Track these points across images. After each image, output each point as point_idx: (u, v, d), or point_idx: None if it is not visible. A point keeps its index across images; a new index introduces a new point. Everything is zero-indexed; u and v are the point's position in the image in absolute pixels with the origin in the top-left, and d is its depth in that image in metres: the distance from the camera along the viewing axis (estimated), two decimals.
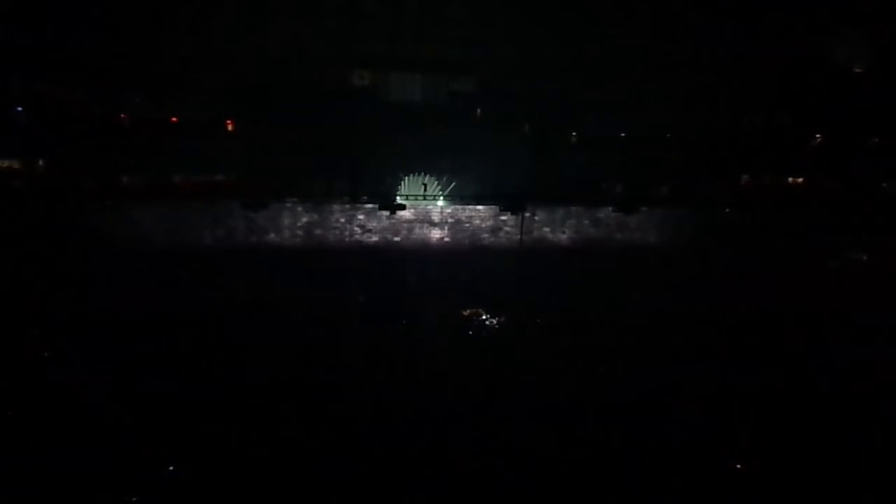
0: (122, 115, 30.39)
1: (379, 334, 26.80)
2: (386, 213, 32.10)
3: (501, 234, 33.68)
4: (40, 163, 29.37)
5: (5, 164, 29.00)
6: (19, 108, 28.89)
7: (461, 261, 32.56)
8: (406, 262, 32.37)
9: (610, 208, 34.04)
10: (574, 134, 35.24)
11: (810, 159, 35.62)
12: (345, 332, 26.64)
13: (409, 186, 33.22)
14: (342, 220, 32.31)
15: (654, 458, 18.48)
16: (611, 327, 27.56)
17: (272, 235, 31.59)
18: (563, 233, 34.31)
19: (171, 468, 17.53)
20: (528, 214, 33.22)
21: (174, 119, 31.01)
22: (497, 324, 28.99)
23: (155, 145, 30.26)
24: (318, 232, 32.13)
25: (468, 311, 29.46)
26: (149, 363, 22.56)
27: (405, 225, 32.98)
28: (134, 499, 16.20)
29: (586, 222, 34.35)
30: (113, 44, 28.70)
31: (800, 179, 35.97)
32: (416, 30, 31.37)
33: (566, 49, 31.94)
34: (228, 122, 31.79)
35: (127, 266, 27.95)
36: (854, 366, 23.85)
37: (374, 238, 32.75)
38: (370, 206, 32.21)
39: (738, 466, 18.58)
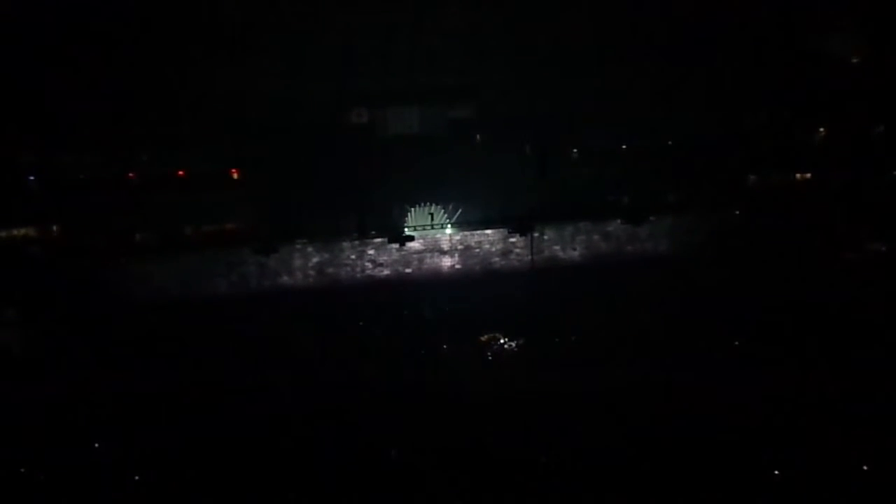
0: (131, 175, 32.29)
1: (399, 365, 28.22)
2: (395, 245, 33.29)
3: (512, 256, 34.80)
4: (54, 228, 31.29)
5: (22, 232, 30.95)
6: (31, 178, 30.98)
7: (474, 286, 33.60)
8: (419, 292, 33.55)
9: (618, 220, 35.15)
10: (575, 150, 36.36)
11: (816, 154, 36.79)
12: (365, 367, 28.04)
13: (416, 217, 34.21)
14: (352, 256, 33.59)
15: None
16: (629, 343, 28.67)
17: (285, 278, 32.89)
18: (574, 249, 35.40)
19: None
20: (536, 234, 34.31)
21: (181, 173, 32.69)
22: (516, 347, 30.26)
23: (164, 200, 32.08)
24: (329, 270, 33.41)
25: (486, 337, 30.68)
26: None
27: (415, 255, 34.12)
28: None
29: (596, 237, 35.46)
30: (116, 106, 30.57)
31: (807, 175, 37.11)
32: (410, 62, 32.77)
33: (560, 66, 33.14)
34: (233, 170, 33.31)
35: (144, 321, 29.68)
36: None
37: (386, 271, 33.97)
38: (379, 239, 33.47)
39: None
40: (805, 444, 21.19)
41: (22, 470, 22.03)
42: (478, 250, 34.69)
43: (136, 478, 21.59)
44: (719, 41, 33.78)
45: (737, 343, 28.69)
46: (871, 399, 22.75)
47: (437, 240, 34.43)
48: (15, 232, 30.91)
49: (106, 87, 30.27)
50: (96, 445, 23.40)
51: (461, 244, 34.60)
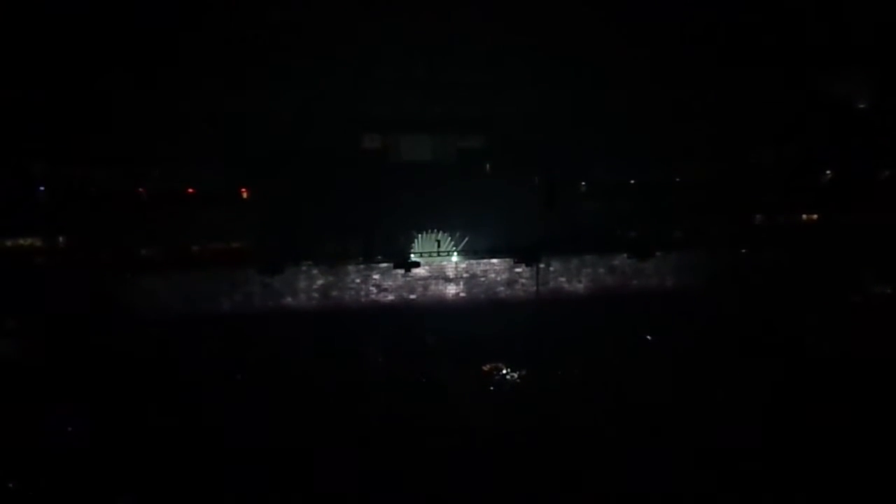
0: (141, 189, 32.56)
1: (400, 392, 28.49)
2: (401, 271, 33.43)
3: (517, 286, 34.93)
4: (61, 239, 31.68)
5: (28, 241, 31.28)
6: (41, 188, 31.40)
7: (478, 315, 33.72)
8: (423, 319, 33.71)
9: (624, 255, 35.39)
10: (583, 183, 36.80)
11: (823, 195, 37.28)
12: (365, 393, 28.33)
13: (422, 244, 34.45)
14: (357, 280, 33.78)
15: None
16: (632, 378, 28.87)
17: (288, 299, 33.07)
18: (580, 282, 35.61)
19: None
20: (542, 265, 34.42)
21: (191, 190, 33.05)
22: (518, 378, 30.38)
23: (172, 216, 32.54)
24: (333, 293, 33.61)
25: (488, 367, 30.83)
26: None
27: (420, 282, 34.28)
28: None
29: (602, 270, 35.67)
30: (130, 120, 31.09)
31: (814, 216, 37.59)
32: (424, 91, 33.51)
33: (571, 100, 33.90)
34: (243, 189, 33.60)
35: (147, 336, 30.01)
36: None
37: (391, 296, 34.10)
38: (385, 264, 33.71)
39: None
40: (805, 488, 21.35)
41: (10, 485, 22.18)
42: (483, 279, 34.91)
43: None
44: (731, 78, 34.39)
45: (740, 382, 28.26)
46: (869, 439, 23.11)
47: (443, 267, 34.66)
48: (21, 241, 31.16)
49: (121, 100, 30.76)
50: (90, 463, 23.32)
51: (467, 272, 34.85)
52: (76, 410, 25.78)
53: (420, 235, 34.62)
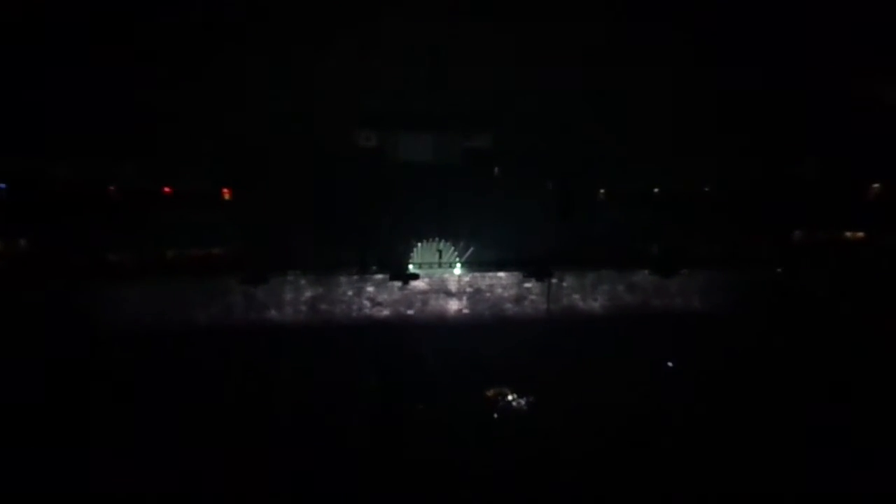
0: (111, 188, 30.95)
1: (394, 420, 26.67)
2: (398, 283, 32.17)
3: (526, 303, 33.53)
4: (22, 242, 29.72)
5: None
6: (2, 185, 29.48)
7: (483, 334, 32.35)
8: (421, 337, 32.17)
9: (646, 271, 33.98)
10: (602, 191, 35.47)
11: (869, 211, 35.26)
12: (355, 420, 26.32)
13: (422, 254, 32.98)
14: (350, 292, 32.32)
15: None
16: (650, 410, 26.92)
17: (273, 312, 31.57)
18: (595, 300, 34.12)
19: None
20: (555, 281, 33.13)
21: (167, 189, 31.58)
22: (525, 405, 28.58)
23: (146, 218, 30.89)
24: (323, 307, 32.08)
25: (492, 392, 29.10)
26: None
27: (419, 296, 32.94)
28: None
29: (620, 287, 34.22)
30: (101, 110, 29.19)
31: (859, 233, 35.54)
32: (426, 84, 31.96)
33: (589, 97, 32.25)
34: (225, 189, 32.22)
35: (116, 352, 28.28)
36: None
37: (386, 311, 32.70)
38: (380, 276, 32.26)
39: None
40: None
41: None
42: (489, 294, 33.39)
43: None
44: (768, 80, 32.71)
45: (772, 415, 26.43)
46: None
47: (445, 280, 33.16)
48: None
49: (91, 88, 29.05)
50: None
51: (470, 286, 33.34)
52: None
53: (420, 244, 32.99)
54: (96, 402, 25.77)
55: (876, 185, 35.28)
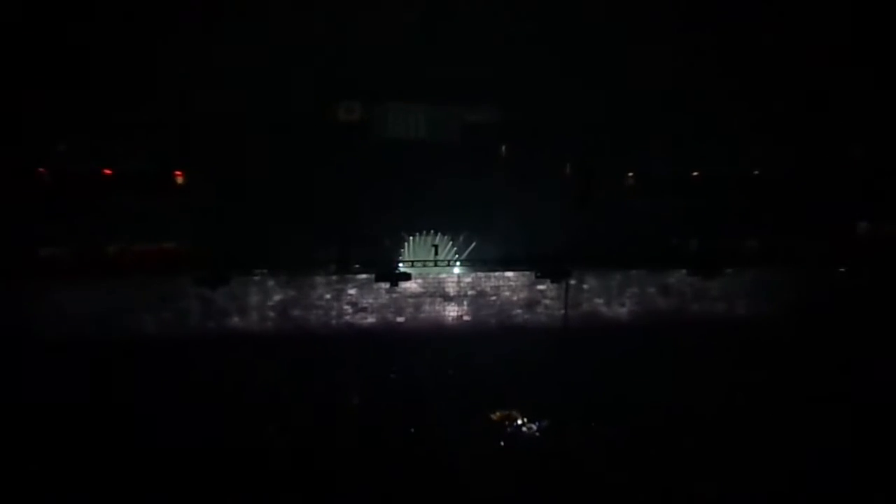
0: (41, 170, 29.11)
1: (380, 447, 24.37)
2: (385, 284, 30.34)
3: (539, 309, 31.67)
4: None
5: None
6: None
7: (487, 346, 30.25)
8: (414, 349, 30.29)
9: (683, 271, 32.10)
10: (630, 174, 33.66)
11: None
12: (336, 446, 24.00)
13: (414, 249, 31.70)
14: (327, 295, 30.46)
15: None
16: (691, 431, 24.48)
17: (235, 319, 29.51)
18: (622, 305, 32.26)
19: None
20: (573, 282, 31.34)
21: (107, 171, 29.81)
22: (537, 431, 26.23)
23: (83, 206, 29.00)
24: (295, 313, 30.12)
25: (498, 415, 26.85)
26: None
27: (411, 300, 31.16)
28: None
29: (652, 289, 32.34)
30: (27, 77, 27.21)
31: None
32: (419, 46, 30.19)
33: (615, 63, 30.05)
34: (177, 172, 30.65)
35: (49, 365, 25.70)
36: None
37: (371, 318, 30.92)
38: (364, 276, 30.61)
39: None
40: None
41: None
42: (494, 298, 31.36)
43: None
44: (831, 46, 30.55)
45: (832, 438, 23.52)
46: None
47: (441, 281, 31.31)
48: None
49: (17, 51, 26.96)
50: None
51: (472, 289, 31.40)
52: None
53: (411, 238, 31.74)
54: (23, 423, 22.85)
55: None
